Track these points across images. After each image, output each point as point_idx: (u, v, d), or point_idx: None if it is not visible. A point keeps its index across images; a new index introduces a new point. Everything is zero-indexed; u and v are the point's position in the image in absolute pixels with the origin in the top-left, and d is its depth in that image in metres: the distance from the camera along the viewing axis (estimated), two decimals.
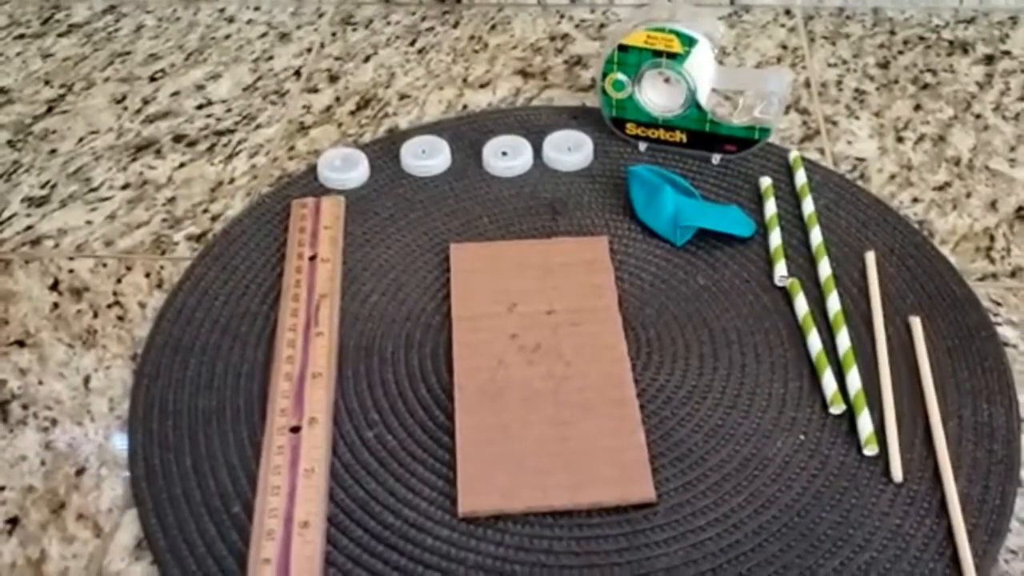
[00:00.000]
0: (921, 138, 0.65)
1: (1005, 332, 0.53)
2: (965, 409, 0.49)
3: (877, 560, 0.43)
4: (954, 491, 0.45)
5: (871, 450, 0.47)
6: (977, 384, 0.50)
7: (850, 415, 0.48)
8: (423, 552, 0.44)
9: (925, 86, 0.69)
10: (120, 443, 0.49)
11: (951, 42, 0.73)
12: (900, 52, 0.72)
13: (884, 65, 0.71)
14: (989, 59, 0.71)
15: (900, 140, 0.65)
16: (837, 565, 0.43)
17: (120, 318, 0.55)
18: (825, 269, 0.55)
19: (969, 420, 0.48)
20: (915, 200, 0.60)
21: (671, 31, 0.59)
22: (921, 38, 0.73)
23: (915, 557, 0.43)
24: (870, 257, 0.56)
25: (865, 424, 0.47)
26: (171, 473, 0.47)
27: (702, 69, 0.61)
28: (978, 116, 0.66)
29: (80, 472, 0.48)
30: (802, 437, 0.48)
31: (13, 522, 0.46)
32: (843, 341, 0.51)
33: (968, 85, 0.69)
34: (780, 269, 0.55)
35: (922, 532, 0.44)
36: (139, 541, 0.45)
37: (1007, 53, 0.72)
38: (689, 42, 0.59)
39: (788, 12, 0.77)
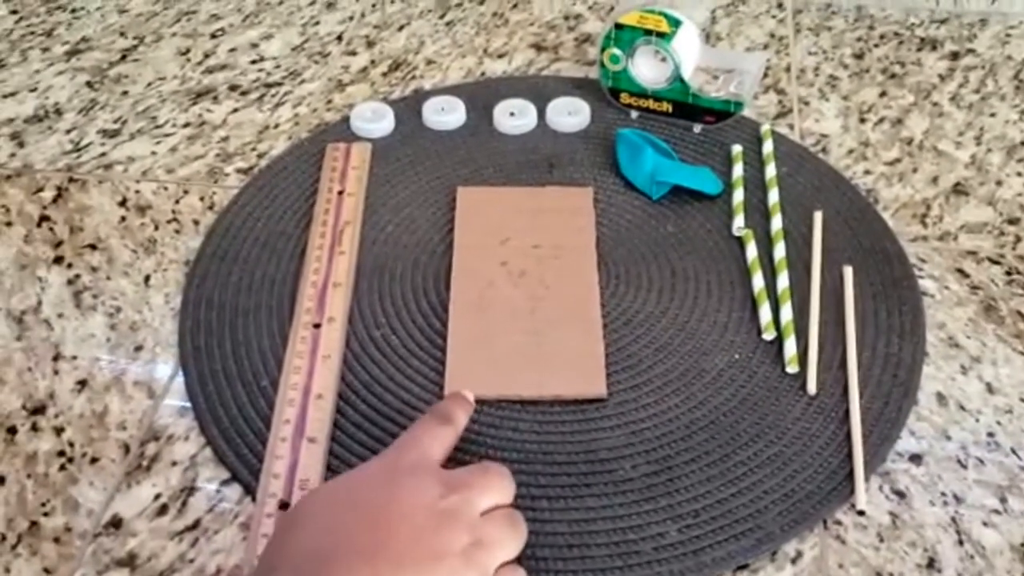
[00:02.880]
0: (881, 120, 0.73)
1: (926, 284, 0.61)
2: (879, 342, 0.57)
3: (784, 452, 0.52)
4: (857, 404, 0.54)
5: (792, 368, 0.56)
6: (893, 324, 0.59)
7: (779, 341, 0.57)
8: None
9: (893, 76, 0.78)
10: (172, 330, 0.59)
11: (923, 39, 0.81)
12: (876, 45, 0.81)
13: (859, 56, 0.80)
14: (955, 55, 0.79)
15: (863, 121, 0.73)
16: (751, 454, 0.52)
17: (177, 231, 0.65)
18: (777, 223, 0.64)
19: (881, 351, 0.57)
20: (867, 172, 0.69)
21: (660, 13, 0.68)
22: (896, 34, 0.82)
23: (817, 452, 0.52)
24: (817, 216, 0.65)
25: (790, 347, 0.57)
26: (213, 353, 0.57)
27: (687, 48, 0.70)
28: (935, 104, 0.75)
29: (138, 348, 0.58)
30: (736, 356, 0.57)
31: (82, 383, 0.57)
32: (782, 282, 0.60)
33: (931, 77, 0.77)
34: (738, 221, 0.64)
35: (826, 434, 0.53)
36: (183, 403, 0.55)
37: (972, 51, 0.80)
38: (676, 23, 0.68)
39: (780, 5, 0.86)
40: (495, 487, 0.45)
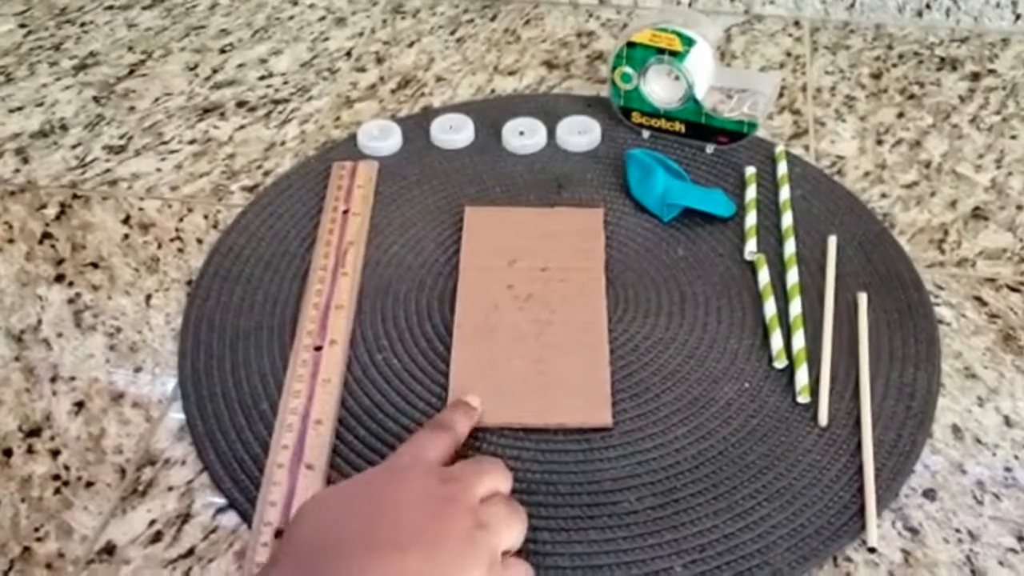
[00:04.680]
0: (899, 142, 0.72)
1: (943, 312, 0.60)
2: (893, 372, 0.56)
3: (794, 486, 0.51)
4: (869, 436, 0.52)
5: (804, 398, 0.54)
6: (908, 352, 0.57)
7: (791, 370, 0.56)
8: None
9: (911, 96, 0.76)
10: (172, 350, 0.58)
11: (943, 58, 0.80)
12: (894, 65, 0.79)
13: (877, 76, 0.78)
14: (975, 76, 0.78)
15: (880, 143, 0.72)
16: (760, 487, 0.50)
17: (180, 250, 0.65)
18: (790, 248, 0.63)
19: (895, 381, 0.56)
20: (883, 195, 0.68)
21: (673, 31, 0.67)
22: (915, 53, 0.80)
23: (827, 486, 0.51)
24: (831, 240, 0.63)
25: (802, 377, 0.55)
26: (212, 375, 0.56)
27: (700, 67, 0.68)
28: (955, 126, 0.73)
29: (138, 370, 0.57)
30: (747, 384, 0.55)
31: (79, 405, 0.56)
32: (795, 308, 0.59)
33: (951, 98, 0.76)
34: (750, 245, 0.63)
35: (837, 467, 0.51)
36: (181, 427, 0.54)
37: (992, 71, 0.78)
38: (688, 42, 0.67)
39: (797, 23, 0.84)
40: (490, 474, 0.46)
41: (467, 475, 0.45)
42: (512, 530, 0.44)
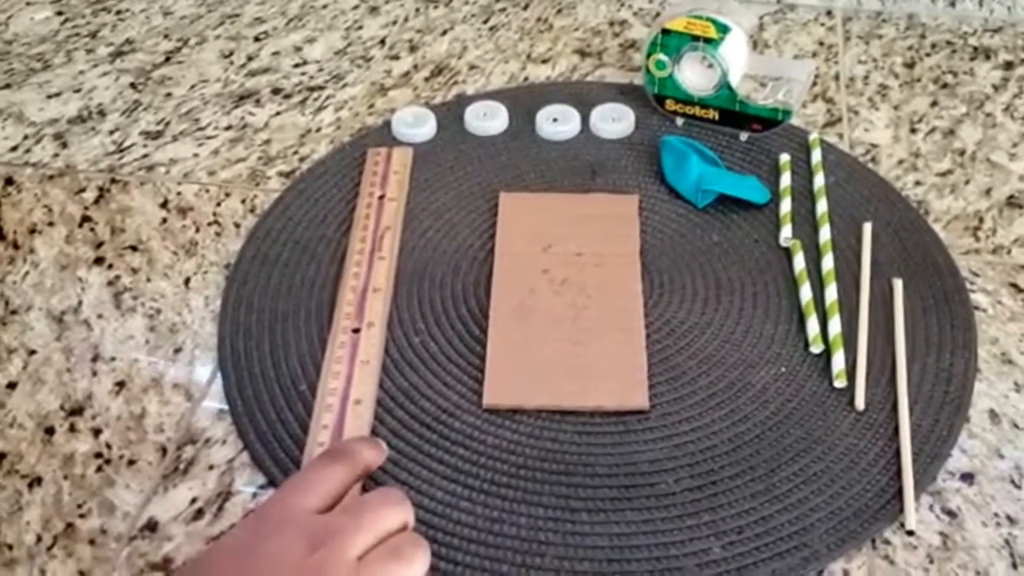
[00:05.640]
0: (932, 130, 0.72)
1: (979, 298, 0.60)
2: (930, 357, 0.56)
3: (831, 469, 0.51)
4: (906, 420, 0.52)
5: (840, 383, 0.54)
6: (944, 338, 0.57)
7: (827, 355, 0.56)
8: (451, 432, 0.53)
9: (945, 85, 0.76)
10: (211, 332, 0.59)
11: (976, 48, 0.79)
12: (927, 54, 0.79)
13: (910, 65, 0.78)
14: (1009, 65, 0.77)
15: (913, 131, 0.72)
16: (797, 470, 0.51)
17: (218, 234, 0.65)
18: (825, 234, 0.63)
19: (932, 366, 0.55)
20: (918, 183, 0.67)
21: (708, 19, 0.67)
22: (948, 43, 0.80)
23: (865, 470, 0.51)
24: (867, 227, 0.63)
25: (839, 361, 0.55)
26: (251, 356, 0.57)
27: (734, 54, 0.68)
28: (988, 115, 0.73)
29: (177, 351, 0.58)
30: (783, 369, 0.55)
31: (120, 385, 0.56)
32: (831, 294, 0.59)
33: (984, 87, 0.75)
34: (785, 232, 0.63)
35: (874, 451, 0.51)
36: (221, 407, 0.55)
37: None
38: (724, 29, 0.67)
39: (829, 13, 0.84)
40: (371, 520, 0.40)
41: (343, 530, 0.39)
42: None
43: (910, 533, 0.48)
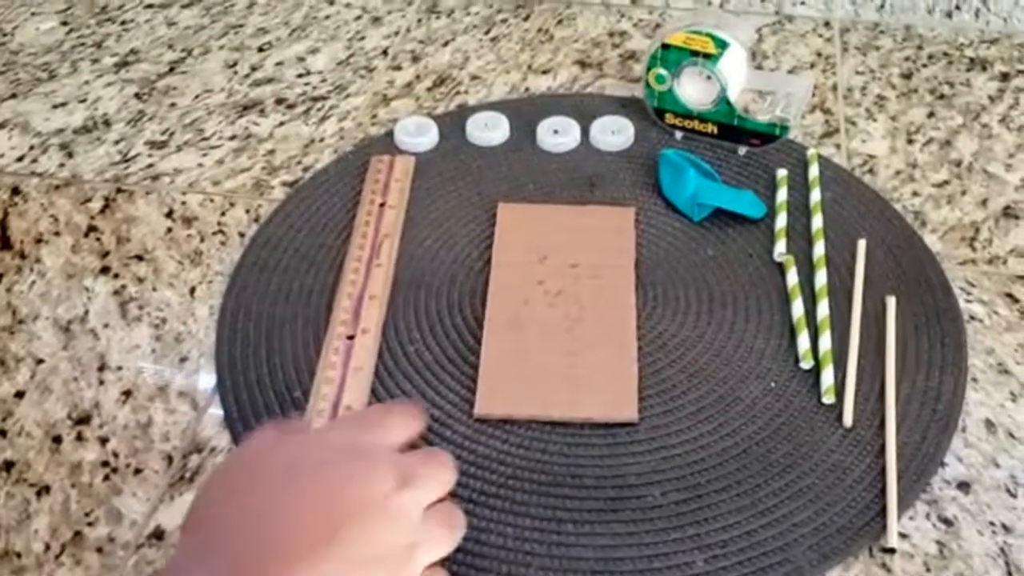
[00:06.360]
0: (929, 141, 0.72)
1: (975, 309, 0.60)
2: (919, 375, 0.57)
3: (816, 485, 0.51)
4: (893, 438, 0.53)
5: (829, 399, 0.55)
6: (935, 356, 0.58)
7: (817, 371, 0.57)
8: (442, 442, 0.54)
9: (941, 96, 0.76)
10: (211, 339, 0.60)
11: (972, 59, 0.80)
12: (924, 65, 0.80)
13: (907, 76, 0.79)
14: (1005, 76, 0.78)
15: (910, 142, 0.72)
16: (782, 485, 0.51)
17: (223, 243, 0.66)
18: (819, 250, 0.63)
19: (921, 384, 0.56)
20: (915, 194, 0.68)
21: (707, 34, 0.68)
22: (945, 54, 0.81)
23: (850, 487, 0.51)
24: (861, 244, 0.64)
25: (828, 377, 0.56)
26: (248, 363, 0.58)
27: (733, 69, 0.69)
28: (985, 125, 0.73)
29: (183, 359, 0.59)
30: (772, 384, 0.56)
31: (127, 394, 0.58)
32: (823, 310, 0.59)
33: (981, 98, 0.76)
34: (780, 247, 0.64)
35: (860, 467, 0.52)
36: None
37: (1022, 72, 0.78)
38: (722, 45, 0.68)
39: (827, 24, 0.85)
40: (440, 481, 0.43)
41: (422, 480, 0.42)
42: (444, 546, 0.43)
43: (890, 551, 0.49)
